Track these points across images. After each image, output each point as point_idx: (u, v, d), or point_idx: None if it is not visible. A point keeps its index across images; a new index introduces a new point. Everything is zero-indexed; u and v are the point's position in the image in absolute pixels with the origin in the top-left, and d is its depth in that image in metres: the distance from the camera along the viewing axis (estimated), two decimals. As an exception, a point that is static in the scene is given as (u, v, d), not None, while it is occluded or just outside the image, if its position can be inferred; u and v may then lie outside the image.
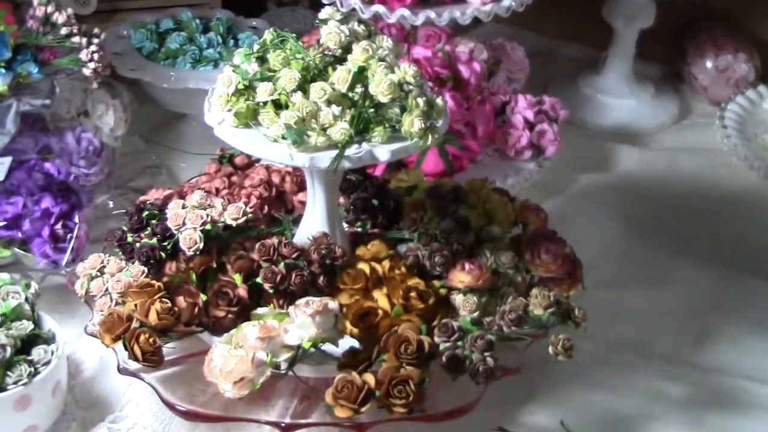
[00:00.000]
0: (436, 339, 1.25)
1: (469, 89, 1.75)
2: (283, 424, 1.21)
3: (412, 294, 1.30)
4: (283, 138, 1.22)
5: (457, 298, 1.32)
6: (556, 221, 1.50)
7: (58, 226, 1.49)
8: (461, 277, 1.33)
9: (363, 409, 1.18)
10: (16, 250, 1.48)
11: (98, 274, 1.34)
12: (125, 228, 1.39)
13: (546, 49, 2.25)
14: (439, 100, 1.28)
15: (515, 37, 2.07)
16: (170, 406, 1.24)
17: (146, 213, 1.39)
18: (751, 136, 1.97)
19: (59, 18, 1.60)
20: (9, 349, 1.25)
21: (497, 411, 1.36)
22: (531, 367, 1.35)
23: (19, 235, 1.48)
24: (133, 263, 1.34)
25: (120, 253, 1.37)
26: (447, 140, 1.59)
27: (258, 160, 1.56)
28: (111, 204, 1.62)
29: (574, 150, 1.92)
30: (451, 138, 1.62)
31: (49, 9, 1.60)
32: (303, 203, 1.44)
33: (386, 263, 1.33)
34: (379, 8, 1.66)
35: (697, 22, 2.19)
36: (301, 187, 1.49)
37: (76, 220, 1.50)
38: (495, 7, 1.73)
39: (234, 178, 1.53)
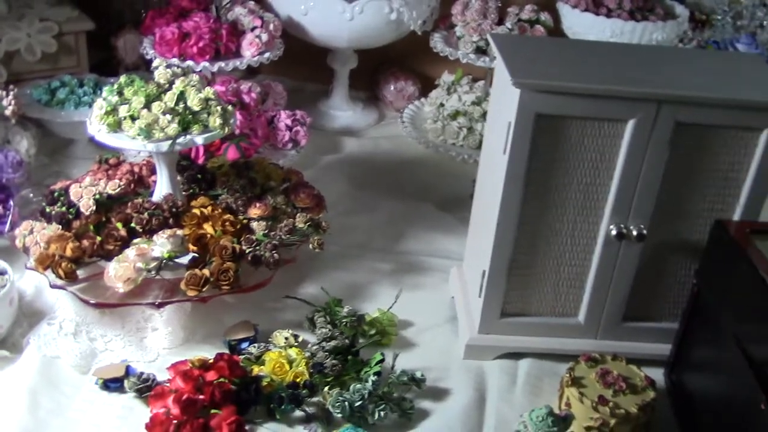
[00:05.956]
0: (243, 246, 1.37)
1: (250, 109, 1.85)
2: (156, 303, 1.30)
3: (227, 224, 1.40)
4: (139, 135, 1.31)
5: (254, 224, 1.44)
6: (310, 182, 1.62)
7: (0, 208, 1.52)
8: (254, 211, 1.45)
9: (204, 289, 1.29)
10: (-26, 224, 1.49)
11: (29, 233, 1.38)
12: (44, 204, 1.44)
13: (297, 87, 2.36)
14: (229, 107, 1.40)
15: (277, 80, 2.16)
16: (86, 302, 1.30)
17: (56, 193, 1.44)
18: (419, 126, 2.16)
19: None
20: (-23, 281, 1.29)
21: (285, 287, 1.48)
22: (302, 259, 1.49)
23: (-26, 214, 1.50)
24: (51, 224, 1.39)
25: (42, 220, 1.42)
26: (240, 139, 1.69)
27: (124, 161, 1.62)
28: (31, 194, 1.62)
29: (318, 143, 2.04)
30: (242, 137, 1.72)
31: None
32: (155, 182, 1.51)
33: (210, 208, 1.43)
34: (190, 62, 1.75)
35: (383, 64, 2.35)
36: (152, 172, 1.56)
37: (11, 203, 1.52)
38: (260, 58, 1.87)
39: (110, 172, 1.58)
